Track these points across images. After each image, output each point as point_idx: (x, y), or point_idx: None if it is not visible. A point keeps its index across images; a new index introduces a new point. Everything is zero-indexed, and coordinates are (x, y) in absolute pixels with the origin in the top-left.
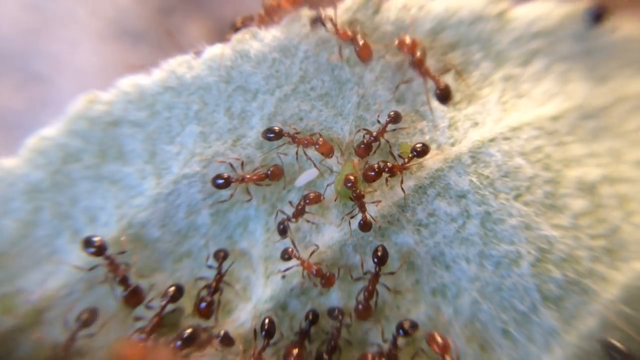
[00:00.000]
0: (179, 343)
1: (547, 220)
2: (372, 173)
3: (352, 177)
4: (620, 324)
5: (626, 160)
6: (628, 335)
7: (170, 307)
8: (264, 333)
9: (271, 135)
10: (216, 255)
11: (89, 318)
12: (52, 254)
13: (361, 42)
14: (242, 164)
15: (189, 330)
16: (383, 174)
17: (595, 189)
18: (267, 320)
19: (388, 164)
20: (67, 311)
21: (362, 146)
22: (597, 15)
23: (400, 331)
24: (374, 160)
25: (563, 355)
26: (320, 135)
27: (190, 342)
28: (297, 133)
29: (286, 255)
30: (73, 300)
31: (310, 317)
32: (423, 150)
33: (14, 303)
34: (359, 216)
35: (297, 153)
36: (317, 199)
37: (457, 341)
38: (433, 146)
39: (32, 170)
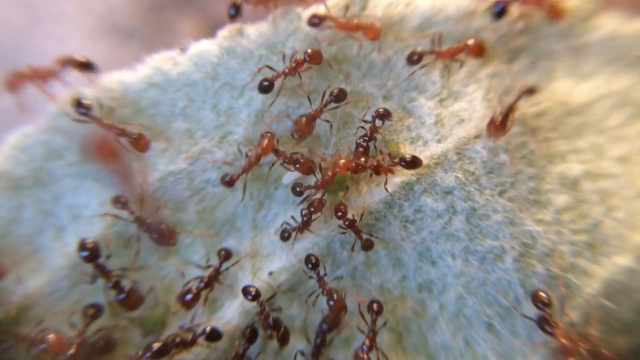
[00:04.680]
0: (147, 355)
1: (530, 216)
2: (359, 167)
3: (342, 207)
4: (602, 318)
5: (608, 156)
6: (609, 329)
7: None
8: (244, 341)
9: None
10: (218, 253)
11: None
12: (35, 251)
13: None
14: None
15: (157, 344)
16: (368, 170)
17: (578, 184)
18: (248, 330)
19: (374, 162)
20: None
21: (360, 149)
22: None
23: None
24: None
25: (546, 349)
26: (302, 156)
27: (160, 355)
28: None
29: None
30: (56, 299)
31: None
32: (413, 162)
33: None
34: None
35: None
36: (321, 205)
37: (442, 336)
38: (419, 142)
39: (14, 167)
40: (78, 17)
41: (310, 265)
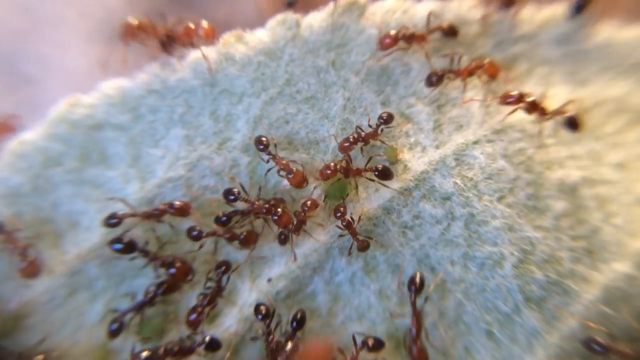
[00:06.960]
0: None
1: (529, 222)
2: (328, 172)
3: (341, 208)
4: (601, 325)
5: (606, 163)
6: (608, 335)
7: None
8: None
9: (261, 146)
10: (217, 267)
11: None
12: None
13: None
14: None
15: (145, 353)
16: (338, 173)
17: (576, 190)
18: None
19: (343, 164)
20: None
21: (346, 144)
22: (579, 6)
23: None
24: (360, 161)
25: (545, 356)
26: (297, 168)
27: None
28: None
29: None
30: (53, 307)
31: (299, 316)
32: (383, 172)
33: None
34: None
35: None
36: (315, 205)
37: (441, 343)
38: (418, 148)
39: (12, 174)
40: (77, 22)
41: (260, 317)
